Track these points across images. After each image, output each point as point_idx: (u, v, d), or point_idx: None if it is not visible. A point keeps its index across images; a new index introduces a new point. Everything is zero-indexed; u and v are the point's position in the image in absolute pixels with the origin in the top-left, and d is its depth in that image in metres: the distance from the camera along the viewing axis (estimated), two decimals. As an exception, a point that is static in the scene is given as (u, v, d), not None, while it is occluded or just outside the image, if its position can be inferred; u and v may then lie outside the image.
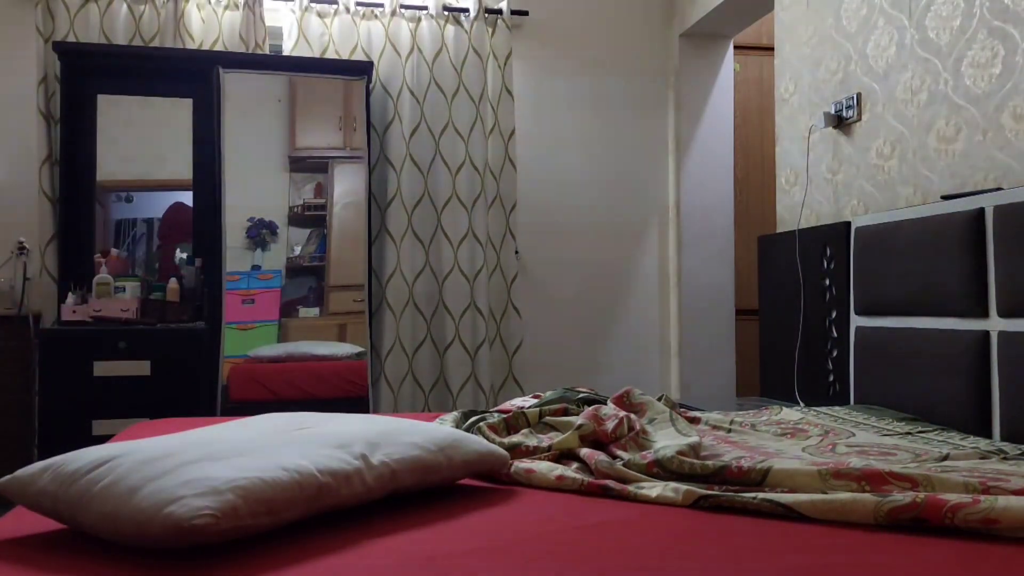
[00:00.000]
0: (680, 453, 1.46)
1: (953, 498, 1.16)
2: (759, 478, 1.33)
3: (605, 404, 1.88)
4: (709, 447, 1.70)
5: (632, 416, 1.77)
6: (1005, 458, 1.61)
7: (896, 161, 2.56)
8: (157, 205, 3.55)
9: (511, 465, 1.51)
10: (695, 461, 1.40)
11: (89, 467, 1.12)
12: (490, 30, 3.78)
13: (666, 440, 1.67)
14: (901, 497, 1.19)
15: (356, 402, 3.32)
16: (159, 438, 1.30)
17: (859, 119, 2.73)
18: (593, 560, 1.06)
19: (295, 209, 3.52)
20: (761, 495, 1.28)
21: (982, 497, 1.16)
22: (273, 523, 1.10)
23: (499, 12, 3.78)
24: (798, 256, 2.87)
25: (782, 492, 1.29)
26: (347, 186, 3.57)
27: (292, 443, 1.26)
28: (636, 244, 4.08)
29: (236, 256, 3.36)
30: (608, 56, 4.03)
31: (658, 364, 4.09)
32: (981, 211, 2.00)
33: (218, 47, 3.47)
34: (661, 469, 1.43)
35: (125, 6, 3.41)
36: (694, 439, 1.62)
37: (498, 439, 1.69)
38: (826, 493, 1.26)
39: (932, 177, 2.39)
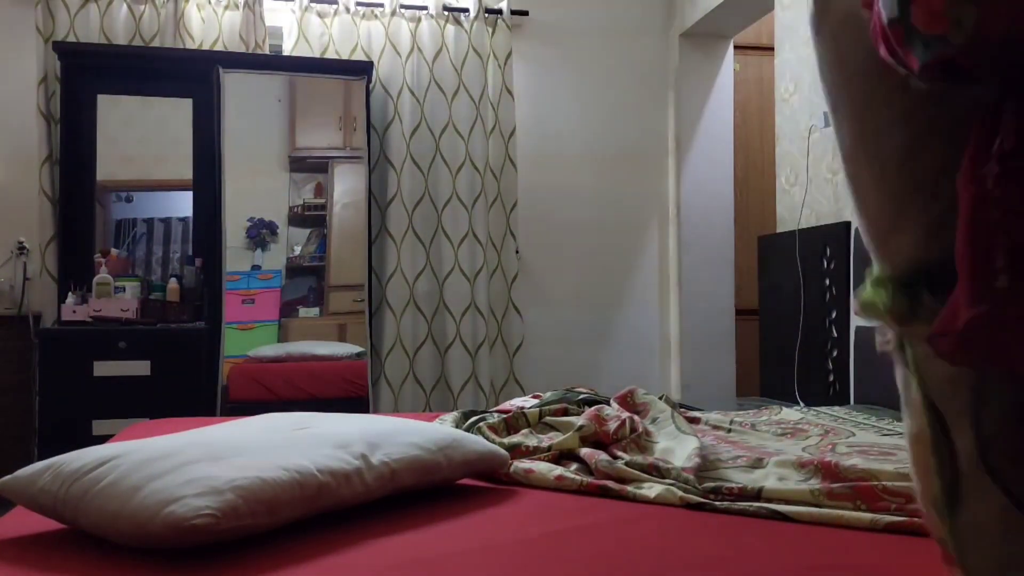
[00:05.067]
0: (683, 469, 1.45)
1: None
2: (753, 496, 1.33)
3: (607, 404, 1.88)
4: (709, 447, 1.70)
5: (635, 417, 1.77)
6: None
7: (896, 161, 2.55)
8: (157, 205, 3.55)
9: (511, 465, 1.51)
10: (691, 477, 1.40)
11: (89, 467, 1.12)
12: (490, 30, 3.77)
13: (667, 442, 1.67)
14: (895, 517, 1.19)
15: (356, 402, 3.32)
16: (159, 438, 1.30)
17: (859, 119, 2.73)
18: (592, 560, 1.06)
19: (295, 209, 3.52)
20: (757, 503, 1.29)
21: None
22: (273, 523, 1.10)
23: (499, 12, 3.78)
24: (798, 256, 2.87)
25: (778, 504, 1.30)
26: (347, 186, 3.57)
27: (292, 443, 1.26)
28: (636, 244, 4.08)
29: (236, 256, 3.36)
30: (608, 56, 4.03)
31: (658, 364, 4.08)
32: (981, 211, 2.00)
33: (218, 47, 3.47)
34: (660, 475, 1.43)
35: (125, 6, 3.41)
36: (695, 445, 1.62)
37: (498, 439, 1.69)
38: (821, 508, 1.26)
39: (932, 177, 2.39)
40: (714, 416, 2.16)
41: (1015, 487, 0.55)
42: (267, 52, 3.55)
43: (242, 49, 3.47)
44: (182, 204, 3.48)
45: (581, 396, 2.03)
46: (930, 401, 0.61)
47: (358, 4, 3.63)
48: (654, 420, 1.84)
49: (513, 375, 3.73)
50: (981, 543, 0.57)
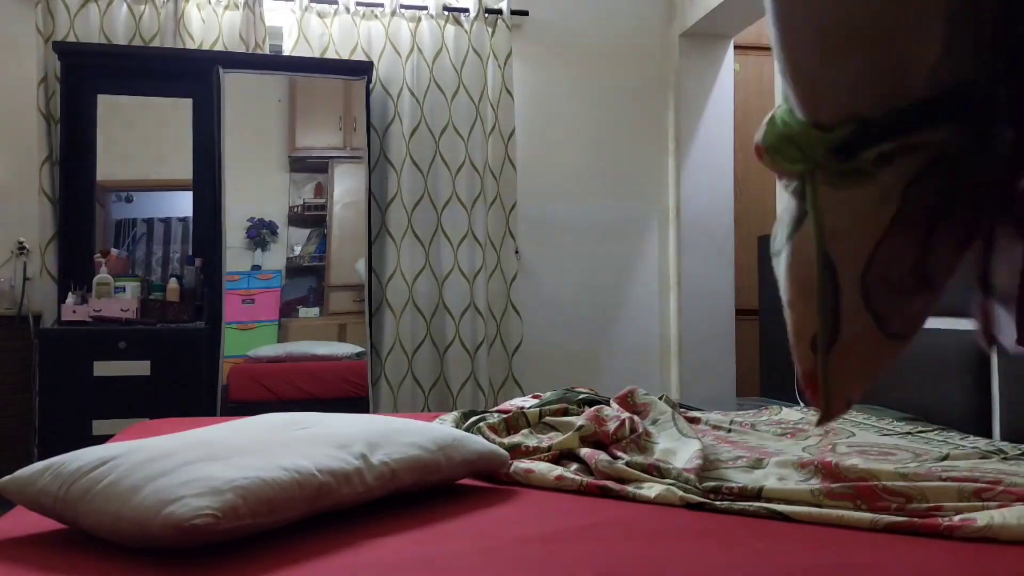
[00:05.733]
0: (684, 470, 1.45)
1: (947, 521, 1.16)
2: (753, 495, 1.33)
3: (607, 404, 1.88)
4: (709, 447, 1.70)
5: (635, 418, 1.77)
6: (1005, 458, 1.61)
7: (896, 161, 2.56)
8: (157, 205, 3.55)
9: (511, 465, 1.51)
10: (691, 477, 1.40)
11: (89, 467, 1.12)
12: (490, 30, 3.77)
13: (668, 443, 1.67)
14: (894, 518, 1.19)
15: (356, 402, 3.32)
16: (159, 438, 1.30)
17: (859, 119, 2.73)
18: (592, 560, 1.06)
19: (295, 209, 3.52)
20: (757, 503, 1.29)
21: (978, 516, 1.15)
22: (273, 523, 1.10)
23: (499, 12, 3.78)
24: (798, 256, 2.87)
25: (778, 504, 1.30)
26: (347, 186, 3.57)
27: (292, 443, 1.26)
28: (636, 244, 4.08)
29: (236, 256, 3.36)
30: (608, 56, 4.03)
31: (658, 364, 4.08)
32: (981, 211, 2.00)
33: (218, 47, 3.47)
34: (660, 475, 1.43)
35: (125, 6, 3.41)
36: (697, 447, 1.62)
37: (498, 439, 1.69)
38: (821, 507, 1.26)
39: (932, 177, 2.39)
40: (714, 416, 2.16)
41: (881, 309, 0.63)
42: (267, 52, 3.55)
43: (242, 49, 3.47)
44: (182, 204, 3.48)
45: (581, 396, 2.03)
46: (824, 248, 0.64)
47: (358, 4, 3.62)
48: (655, 421, 1.84)
49: (512, 375, 3.72)
50: (848, 367, 0.65)
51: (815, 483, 1.36)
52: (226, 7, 3.50)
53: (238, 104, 3.35)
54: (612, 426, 1.66)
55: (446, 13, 3.71)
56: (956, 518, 1.16)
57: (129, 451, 1.16)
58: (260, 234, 3.43)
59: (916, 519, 1.18)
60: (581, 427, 1.65)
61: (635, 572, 1.03)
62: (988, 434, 1.95)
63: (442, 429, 1.47)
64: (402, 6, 3.67)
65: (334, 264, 3.53)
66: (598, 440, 1.64)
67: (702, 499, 1.32)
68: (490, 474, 1.49)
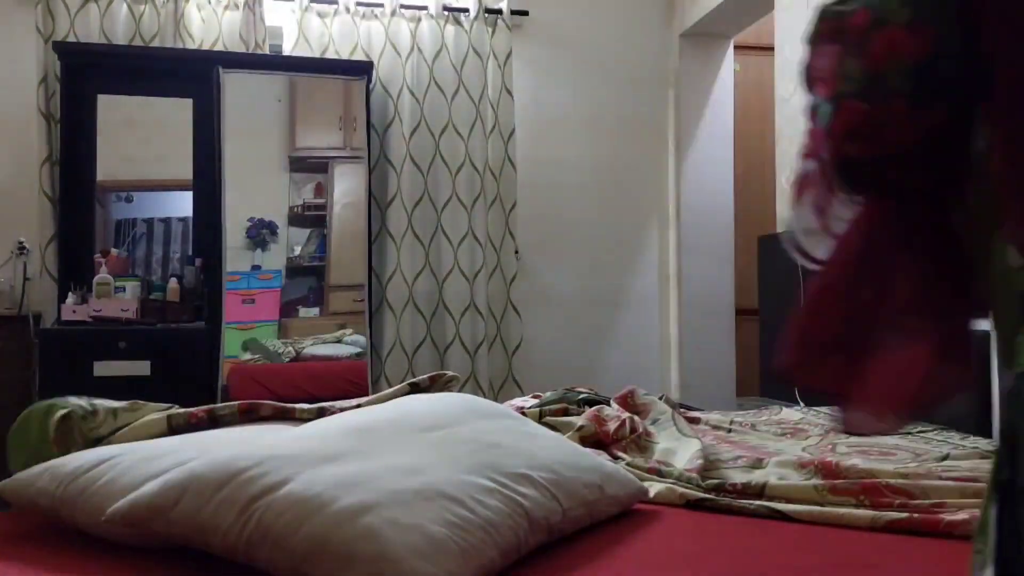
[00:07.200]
0: (686, 470, 1.45)
1: (948, 517, 1.16)
2: (756, 493, 1.33)
3: (607, 404, 1.88)
4: (709, 447, 1.70)
5: (635, 418, 1.77)
6: (1005, 458, 1.61)
7: (896, 161, 2.55)
8: (157, 205, 3.55)
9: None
10: (694, 476, 1.39)
11: (87, 467, 1.12)
12: (490, 30, 3.77)
13: (668, 443, 1.66)
14: (896, 514, 1.19)
15: (356, 402, 3.31)
16: (157, 439, 1.30)
17: (859, 119, 2.73)
18: (592, 560, 1.06)
19: (295, 209, 3.51)
20: (758, 502, 1.29)
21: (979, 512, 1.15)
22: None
23: (499, 12, 3.78)
24: (798, 256, 2.86)
25: (780, 502, 1.29)
26: (347, 186, 3.57)
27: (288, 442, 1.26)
28: (636, 244, 4.08)
29: (236, 256, 3.35)
30: (608, 56, 4.03)
31: (658, 364, 4.08)
32: (981, 211, 1.99)
33: (218, 47, 3.46)
34: (661, 478, 1.43)
35: (125, 6, 3.41)
36: (697, 447, 1.61)
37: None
38: (824, 505, 1.26)
39: (932, 177, 2.38)
40: (714, 416, 2.16)
41: None
42: (267, 52, 3.55)
43: (242, 49, 3.47)
44: (182, 204, 3.48)
45: (581, 396, 2.03)
46: None
47: (358, 4, 3.62)
48: (655, 421, 1.84)
49: (512, 375, 3.72)
50: None
51: (818, 480, 1.36)
52: (226, 7, 3.50)
53: (238, 104, 3.35)
54: (612, 426, 1.66)
55: (446, 13, 3.71)
56: (959, 514, 1.16)
57: (126, 451, 1.16)
58: (260, 234, 3.43)
59: (916, 515, 1.18)
60: (582, 427, 1.65)
61: (634, 572, 1.03)
62: (988, 434, 1.94)
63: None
64: (402, 6, 3.66)
65: (334, 264, 3.52)
66: (599, 440, 1.64)
67: (703, 495, 1.31)
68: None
